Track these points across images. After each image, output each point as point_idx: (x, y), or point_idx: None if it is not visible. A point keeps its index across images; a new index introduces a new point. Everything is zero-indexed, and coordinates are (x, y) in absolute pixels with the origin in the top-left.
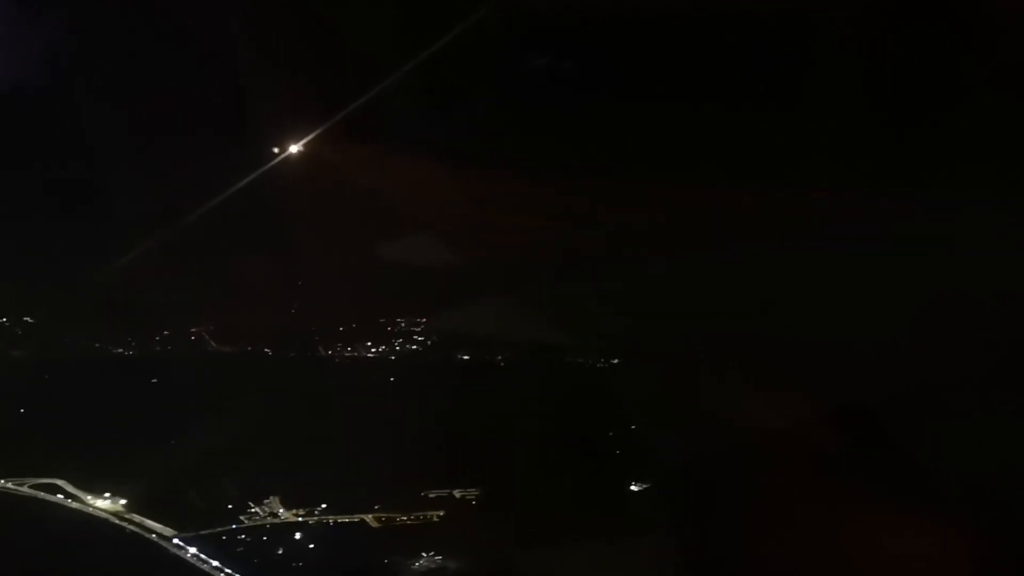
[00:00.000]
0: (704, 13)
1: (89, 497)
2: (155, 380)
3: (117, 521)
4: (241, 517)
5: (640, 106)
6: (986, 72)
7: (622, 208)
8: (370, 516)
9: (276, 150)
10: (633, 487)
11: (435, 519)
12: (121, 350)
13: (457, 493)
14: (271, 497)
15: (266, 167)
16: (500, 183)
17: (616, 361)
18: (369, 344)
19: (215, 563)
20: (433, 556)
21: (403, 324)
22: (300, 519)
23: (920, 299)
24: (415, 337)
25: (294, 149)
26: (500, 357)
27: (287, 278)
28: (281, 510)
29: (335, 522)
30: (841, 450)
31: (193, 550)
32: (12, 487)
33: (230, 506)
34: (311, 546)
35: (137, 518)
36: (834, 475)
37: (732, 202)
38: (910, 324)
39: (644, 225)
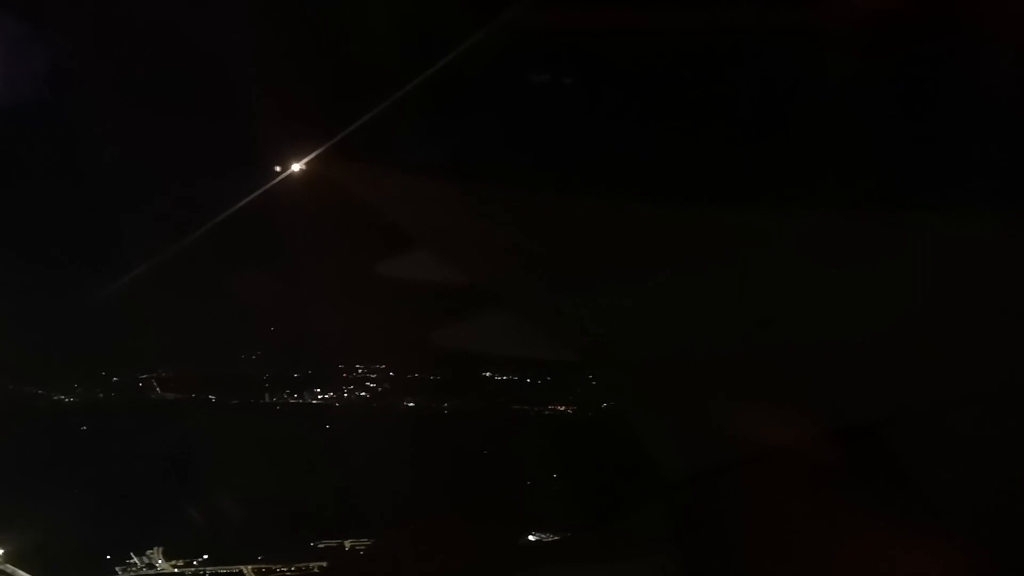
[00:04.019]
0: (708, 28)
1: None
2: (84, 428)
3: None
4: (117, 568)
5: (640, 121)
6: (991, 84)
7: (620, 231)
8: (249, 567)
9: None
10: (532, 537)
11: (316, 570)
12: (62, 397)
13: (348, 543)
14: (155, 548)
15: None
16: (488, 213)
17: (563, 408)
18: (318, 391)
19: None
20: None
21: (360, 370)
22: (176, 570)
23: (925, 312)
24: (367, 384)
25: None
26: (445, 404)
27: (253, 322)
28: (160, 561)
29: (211, 573)
30: (843, 466)
31: None
32: None
33: (108, 556)
34: None
35: (10, 568)
36: (835, 492)
37: (731, 211)
38: (913, 336)
39: (641, 245)
